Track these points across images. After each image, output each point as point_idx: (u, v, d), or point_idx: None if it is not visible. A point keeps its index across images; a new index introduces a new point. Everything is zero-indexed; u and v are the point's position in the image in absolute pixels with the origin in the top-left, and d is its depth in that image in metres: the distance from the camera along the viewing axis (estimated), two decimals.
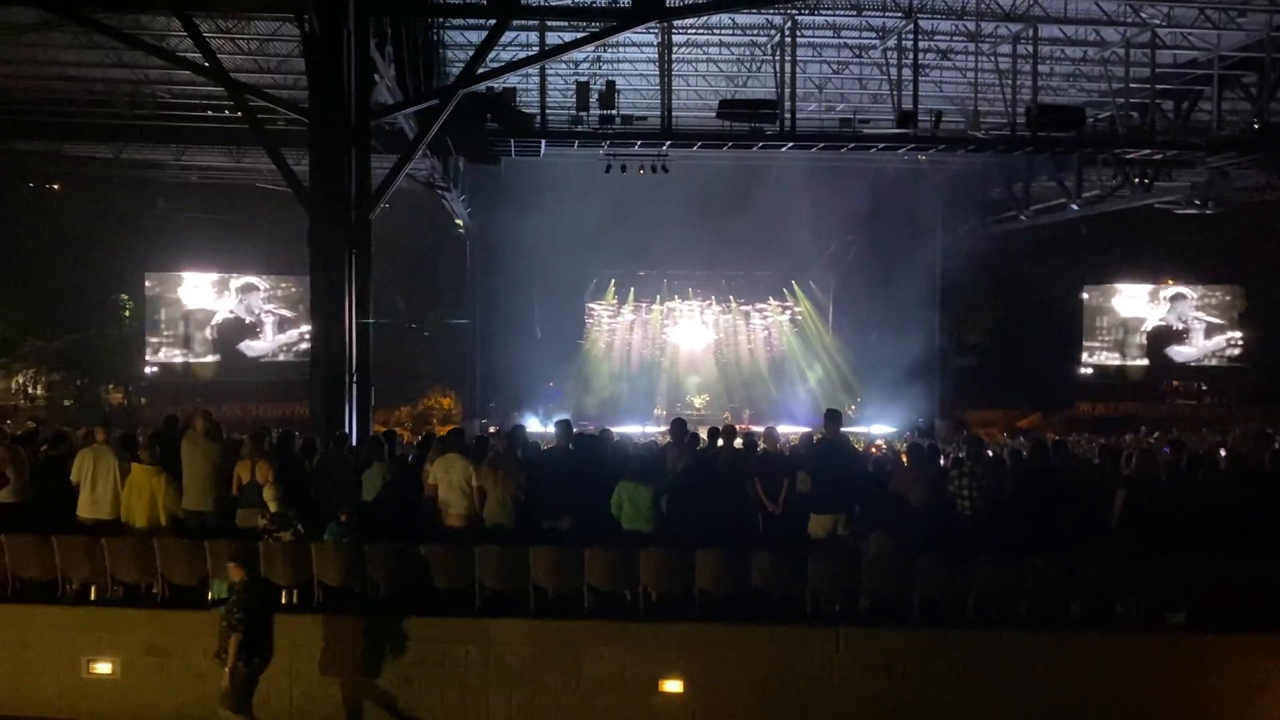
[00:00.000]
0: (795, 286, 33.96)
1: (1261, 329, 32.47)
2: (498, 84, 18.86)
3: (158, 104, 23.11)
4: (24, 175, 27.23)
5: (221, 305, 30.33)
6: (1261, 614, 8.96)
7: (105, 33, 15.20)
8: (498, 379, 30.25)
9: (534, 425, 26.34)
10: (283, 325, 30.40)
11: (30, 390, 29.87)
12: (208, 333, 30.17)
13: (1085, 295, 33.60)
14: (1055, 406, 33.31)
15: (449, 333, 32.45)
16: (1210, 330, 33.11)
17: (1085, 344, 33.57)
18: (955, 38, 20.87)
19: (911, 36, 19.75)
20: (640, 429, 27.97)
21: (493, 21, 15.76)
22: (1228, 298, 33.08)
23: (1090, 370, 33.57)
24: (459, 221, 28.61)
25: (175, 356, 30.13)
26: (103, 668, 9.31)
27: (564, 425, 11.09)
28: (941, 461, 12.47)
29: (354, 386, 14.16)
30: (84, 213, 27.59)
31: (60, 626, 9.43)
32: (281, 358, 30.34)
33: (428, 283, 32.36)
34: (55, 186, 28.25)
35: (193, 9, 14.22)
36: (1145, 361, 33.30)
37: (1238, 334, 32.77)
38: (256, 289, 30.46)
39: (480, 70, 15.79)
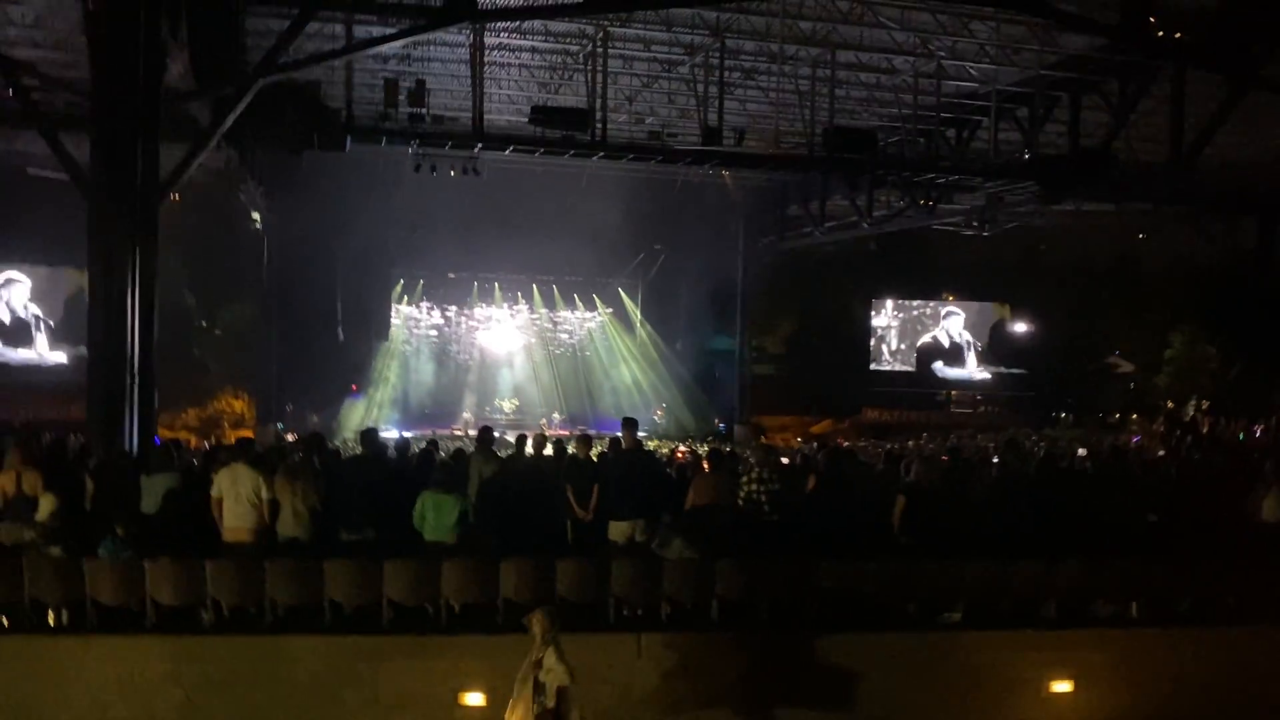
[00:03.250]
0: (604, 293, 34.36)
1: (1029, 342, 35.34)
2: (301, 75, 18.16)
3: None
4: None
5: None
6: (1025, 611, 9.74)
7: None
8: (295, 381, 29.03)
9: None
10: (53, 331, 27.40)
11: None
12: None
13: (873, 309, 35.58)
14: (845, 413, 35.06)
15: (243, 331, 30.91)
16: (980, 352, 35.71)
17: (872, 355, 35.59)
18: (759, 58, 21.64)
19: (718, 55, 20.35)
20: (449, 433, 27.60)
21: (296, 10, 15.20)
22: (997, 315, 35.87)
23: (877, 379, 35.59)
24: (255, 215, 27.30)
25: None
26: None
27: (369, 433, 10.80)
28: (740, 467, 12.89)
29: (135, 388, 13.31)
30: None
31: None
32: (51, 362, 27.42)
33: (220, 278, 30.68)
34: None
35: None
36: (913, 369, 35.66)
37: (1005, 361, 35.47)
38: (17, 282, 27.28)
39: (283, 60, 15.18)
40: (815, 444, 24.78)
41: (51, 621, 8.76)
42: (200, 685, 8.57)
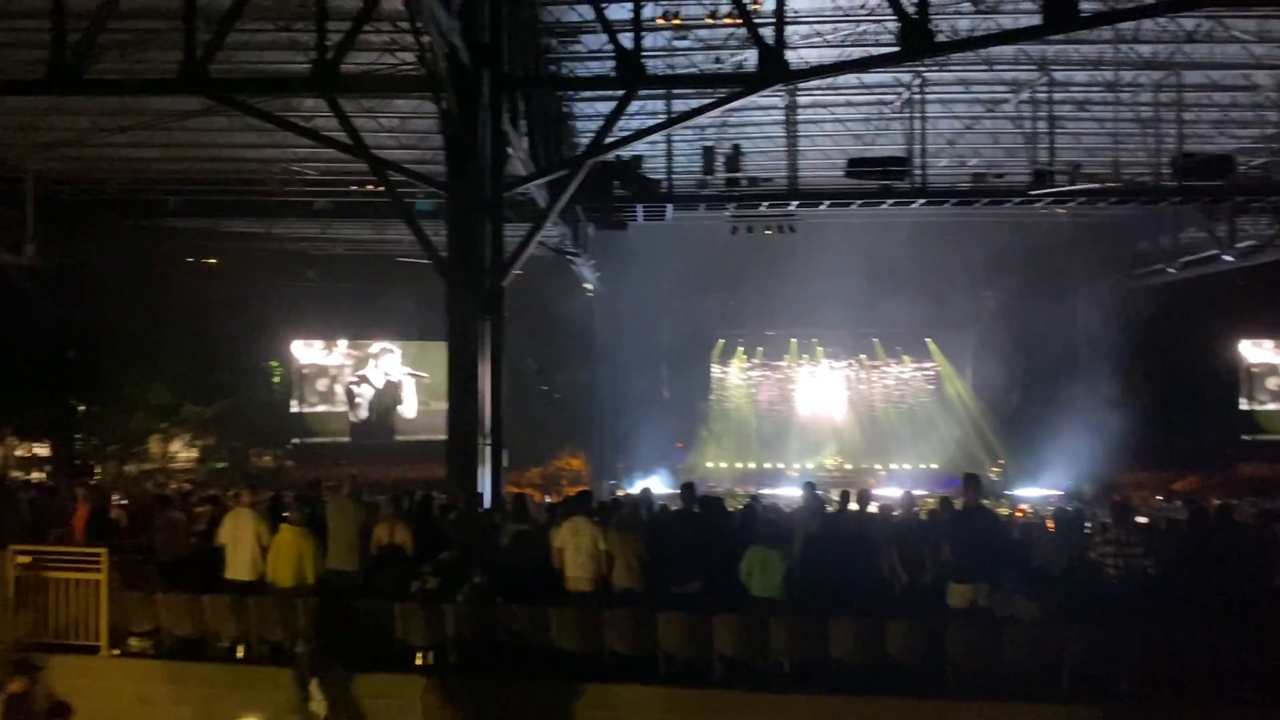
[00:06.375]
0: (931, 343, 33.19)
1: None
2: (625, 152, 19.21)
3: (305, 181, 24.35)
4: (185, 250, 28.98)
5: (365, 372, 31.52)
6: None
7: (258, 116, 15.74)
8: (626, 440, 30.34)
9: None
10: (421, 390, 31.17)
11: (185, 453, 31.05)
12: (358, 397, 31.37)
13: (1243, 350, 31.84)
14: (1214, 468, 31.39)
15: (579, 394, 32.78)
16: None
17: (1245, 402, 31.74)
18: (1092, 89, 20.31)
19: (1045, 89, 19.33)
20: (773, 491, 27.61)
21: (621, 93, 16.08)
22: None
23: (1252, 430, 31.66)
24: (588, 285, 29.06)
25: (325, 413, 31.42)
26: None
27: (688, 487, 11.03)
28: (1088, 526, 11.87)
29: (487, 449, 14.39)
30: (236, 284, 28.95)
31: (210, 683, 9.76)
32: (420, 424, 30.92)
33: (558, 345, 32.82)
34: (212, 260, 29.81)
35: (337, 92, 14.64)
36: None
37: None
38: (390, 352, 31.49)
39: (609, 140, 16.07)
40: (1179, 502, 22.34)
41: (419, 662, 9.57)
42: None
